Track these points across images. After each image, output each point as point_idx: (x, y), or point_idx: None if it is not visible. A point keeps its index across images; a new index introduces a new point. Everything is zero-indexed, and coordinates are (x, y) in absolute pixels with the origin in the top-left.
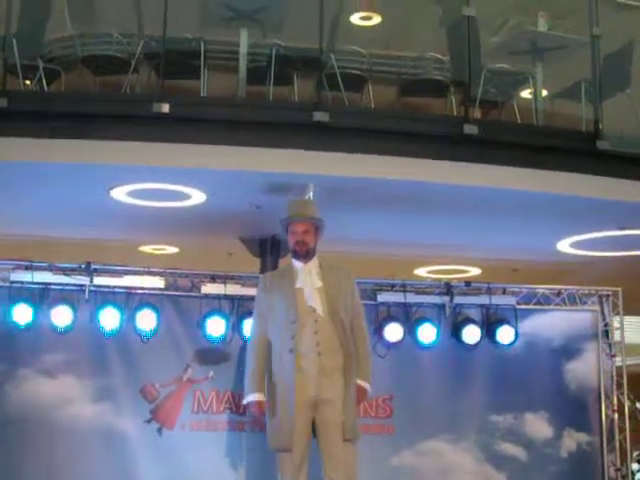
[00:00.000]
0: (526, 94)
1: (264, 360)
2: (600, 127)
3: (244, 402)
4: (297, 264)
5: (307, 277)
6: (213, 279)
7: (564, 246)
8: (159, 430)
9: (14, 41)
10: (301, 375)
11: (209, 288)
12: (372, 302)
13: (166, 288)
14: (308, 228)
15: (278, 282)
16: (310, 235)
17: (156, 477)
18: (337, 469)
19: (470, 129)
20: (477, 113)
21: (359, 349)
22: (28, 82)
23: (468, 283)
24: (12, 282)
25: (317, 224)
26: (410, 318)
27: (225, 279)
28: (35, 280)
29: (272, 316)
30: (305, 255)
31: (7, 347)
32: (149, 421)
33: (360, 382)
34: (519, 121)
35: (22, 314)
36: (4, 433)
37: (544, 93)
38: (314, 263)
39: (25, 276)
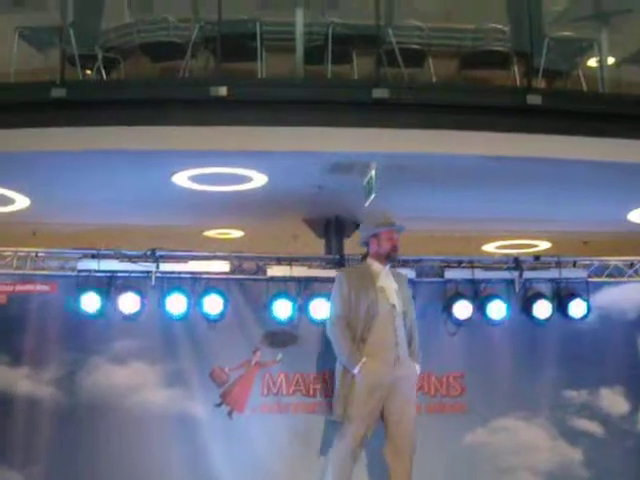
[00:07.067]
0: (592, 62)
1: (352, 338)
2: None
3: (354, 371)
4: (377, 266)
5: (386, 279)
6: (279, 261)
7: (635, 216)
8: (230, 413)
9: (71, 31)
10: (379, 364)
11: (275, 270)
12: (440, 279)
13: (232, 272)
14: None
15: (361, 280)
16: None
17: (228, 460)
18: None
19: (533, 99)
20: (541, 83)
21: (413, 339)
22: (89, 72)
23: (537, 257)
24: (79, 271)
25: None
26: (479, 294)
27: (291, 261)
28: (102, 268)
29: (356, 310)
30: (395, 259)
31: (77, 336)
32: (219, 405)
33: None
34: (585, 90)
35: (90, 303)
36: (77, 421)
37: (610, 60)
38: (387, 267)
39: (92, 264)
